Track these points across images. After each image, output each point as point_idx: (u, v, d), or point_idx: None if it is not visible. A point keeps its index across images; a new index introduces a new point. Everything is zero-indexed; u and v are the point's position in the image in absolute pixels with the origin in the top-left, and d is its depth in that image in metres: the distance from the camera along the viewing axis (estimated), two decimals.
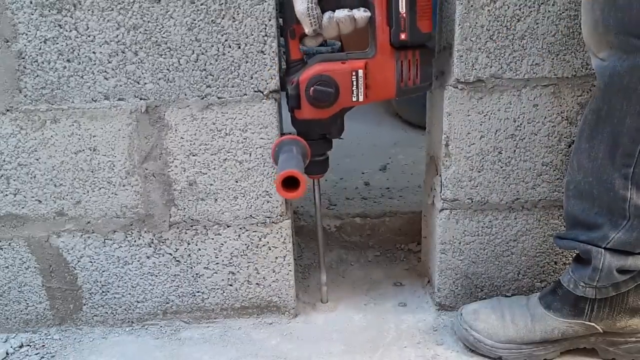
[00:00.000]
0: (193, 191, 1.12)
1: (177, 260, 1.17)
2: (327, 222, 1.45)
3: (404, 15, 0.98)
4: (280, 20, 1.05)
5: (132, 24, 1.00)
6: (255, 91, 1.05)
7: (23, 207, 1.12)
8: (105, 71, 1.03)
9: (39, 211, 1.12)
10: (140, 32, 1.01)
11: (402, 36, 1.00)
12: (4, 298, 1.18)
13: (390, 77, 1.03)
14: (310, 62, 1.04)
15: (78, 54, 1.02)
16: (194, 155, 1.09)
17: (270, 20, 1.01)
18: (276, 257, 1.17)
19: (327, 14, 0.99)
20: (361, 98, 1.04)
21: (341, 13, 0.99)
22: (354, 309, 1.25)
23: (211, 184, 1.11)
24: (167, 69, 1.04)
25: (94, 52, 1.02)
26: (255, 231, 1.15)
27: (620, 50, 0.86)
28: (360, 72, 1.02)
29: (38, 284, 1.17)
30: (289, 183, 0.93)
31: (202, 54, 1.03)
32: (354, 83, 1.03)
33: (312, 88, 1.02)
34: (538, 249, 1.17)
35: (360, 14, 0.99)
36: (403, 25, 0.99)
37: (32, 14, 0.99)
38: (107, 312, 1.20)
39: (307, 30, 1.00)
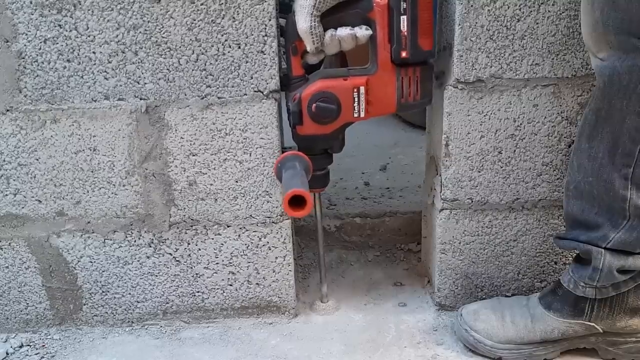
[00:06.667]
0: (193, 191, 1.12)
1: (177, 260, 1.17)
2: (327, 222, 1.45)
3: (405, 33, 0.98)
4: (281, 20, 1.05)
5: (132, 24, 1.00)
6: (255, 91, 1.05)
7: (23, 207, 1.12)
8: (105, 71, 1.03)
9: (39, 211, 1.12)
10: (140, 32, 1.01)
11: (403, 54, 1.00)
12: (4, 298, 1.18)
13: (391, 93, 1.04)
14: (311, 78, 1.04)
15: (78, 54, 1.02)
16: (194, 155, 1.09)
17: (270, 20, 1.01)
18: (276, 257, 1.17)
19: (329, 32, 0.99)
20: (362, 114, 1.04)
21: (343, 31, 0.99)
22: (354, 309, 1.24)
23: (211, 184, 1.11)
24: (167, 69, 1.04)
25: (94, 52, 1.02)
26: (255, 231, 1.15)
27: (619, 50, 0.86)
28: (362, 88, 1.02)
29: (38, 284, 1.17)
30: (296, 201, 0.94)
31: (202, 54, 1.03)
32: (356, 99, 1.03)
33: (314, 104, 1.02)
34: (538, 249, 1.17)
35: (362, 32, 0.99)
36: (404, 43, 0.99)
37: (32, 14, 0.99)
38: (107, 312, 1.20)
39: (309, 47, 1.00)
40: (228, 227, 1.14)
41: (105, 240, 1.15)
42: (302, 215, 0.95)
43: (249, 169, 1.10)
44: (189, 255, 1.16)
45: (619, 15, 0.84)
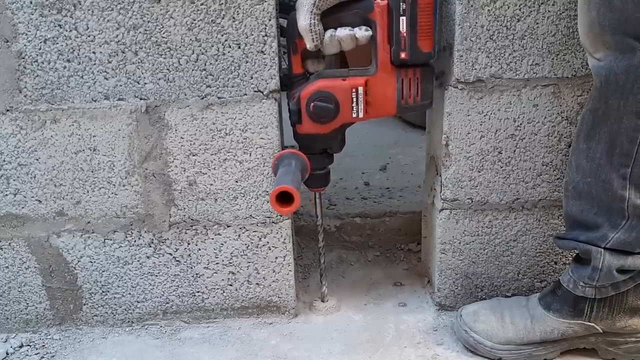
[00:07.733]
0: (193, 191, 1.12)
1: (177, 260, 1.17)
2: (327, 222, 1.46)
3: (405, 34, 0.98)
4: (282, 21, 1.06)
5: (132, 24, 1.01)
6: (255, 91, 1.06)
7: (23, 207, 1.12)
8: (105, 71, 1.03)
9: (39, 211, 1.12)
10: (140, 32, 1.01)
11: (402, 55, 1.00)
12: (4, 298, 1.18)
13: (390, 95, 1.04)
14: (312, 78, 1.05)
15: (78, 54, 1.02)
16: (194, 155, 1.09)
17: (270, 20, 1.01)
18: (276, 257, 1.17)
19: (329, 32, 1.00)
20: (361, 114, 1.04)
21: (343, 32, 1.00)
22: (354, 309, 1.25)
23: (211, 184, 1.11)
24: (167, 69, 1.04)
25: (94, 52, 1.02)
26: (255, 231, 1.15)
27: (616, 51, 0.86)
28: (361, 89, 1.02)
29: (38, 284, 1.18)
30: (284, 198, 0.94)
31: (202, 54, 1.03)
32: (354, 99, 1.03)
33: (312, 103, 1.03)
34: (538, 249, 1.17)
35: (362, 33, 1.00)
36: (403, 44, 0.99)
37: (32, 14, 0.99)
38: (107, 312, 1.21)
39: (309, 45, 1.00)
40: (228, 227, 1.15)
41: (105, 240, 1.15)
42: (289, 212, 0.95)
43: (249, 169, 1.10)
44: (189, 255, 1.16)
45: (615, 15, 0.84)
